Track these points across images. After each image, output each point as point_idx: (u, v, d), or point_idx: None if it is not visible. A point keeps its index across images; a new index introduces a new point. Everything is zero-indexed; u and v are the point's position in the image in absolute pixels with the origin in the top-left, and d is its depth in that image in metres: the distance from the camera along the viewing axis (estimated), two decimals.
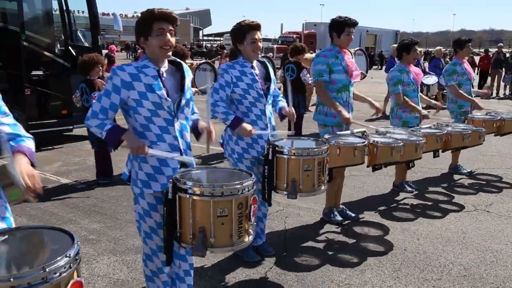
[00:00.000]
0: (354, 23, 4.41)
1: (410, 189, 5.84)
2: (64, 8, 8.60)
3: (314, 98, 7.04)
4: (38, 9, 8.45)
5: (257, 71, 3.59)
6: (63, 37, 8.71)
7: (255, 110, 3.55)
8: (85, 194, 5.73)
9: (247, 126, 3.42)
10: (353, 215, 4.89)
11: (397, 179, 5.93)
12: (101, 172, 6.21)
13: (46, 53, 8.21)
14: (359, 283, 3.57)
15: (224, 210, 2.37)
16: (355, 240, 4.38)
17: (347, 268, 3.81)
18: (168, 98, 2.58)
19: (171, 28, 2.58)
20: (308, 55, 9.53)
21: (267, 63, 3.78)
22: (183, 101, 2.67)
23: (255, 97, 3.53)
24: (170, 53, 2.63)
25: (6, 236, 1.81)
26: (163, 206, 2.55)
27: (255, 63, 3.62)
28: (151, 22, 2.54)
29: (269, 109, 3.66)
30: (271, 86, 3.67)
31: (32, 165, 2.01)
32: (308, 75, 7.99)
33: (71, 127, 8.62)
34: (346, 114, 4.33)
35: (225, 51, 15.36)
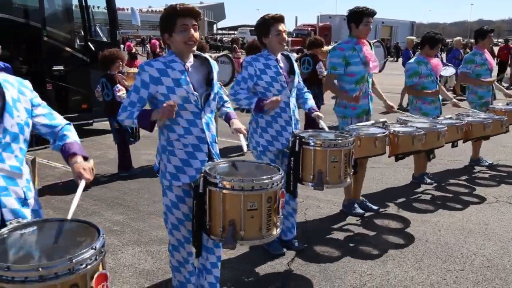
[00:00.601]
0: (372, 13, 4.40)
1: (429, 181, 5.82)
2: (83, 4, 8.70)
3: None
4: (58, 5, 8.56)
5: (281, 64, 3.60)
6: (82, 33, 8.82)
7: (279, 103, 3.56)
8: (107, 186, 5.83)
9: (270, 100, 3.42)
10: (374, 207, 4.90)
11: (416, 171, 5.91)
12: (122, 165, 6.30)
13: (66, 48, 8.34)
14: (381, 273, 3.60)
15: (254, 204, 2.40)
16: (375, 232, 4.39)
17: (369, 259, 3.83)
18: (194, 92, 2.63)
19: (194, 23, 2.60)
20: (324, 48, 9.50)
21: (291, 56, 3.80)
22: (212, 95, 2.72)
23: (279, 89, 3.54)
24: (194, 48, 2.67)
25: (35, 227, 1.88)
26: (193, 200, 2.59)
27: (279, 56, 3.62)
28: (174, 18, 2.57)
29: (293, 101, 3.67)
30: (295, 79, 3.68)
31: (85, 157, 2.15)
32: (323, 67, 7.96)
33: (91, 121, 8.74)
34: (354, 98, 4.27)
35: (234, 45, 15.37)
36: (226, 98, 3.14)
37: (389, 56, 23.74)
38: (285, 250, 3.90)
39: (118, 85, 5.85)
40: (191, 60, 2.71)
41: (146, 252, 3.96)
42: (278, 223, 2.54)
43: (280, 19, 3.52)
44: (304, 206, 5.03)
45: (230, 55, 9.26)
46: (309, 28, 39.75)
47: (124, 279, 3.53)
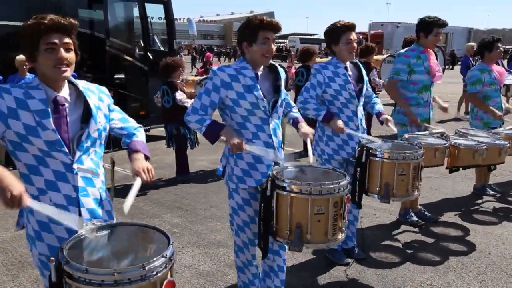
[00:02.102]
0: (443, 24, 4.37)
1: (492, 192, 5.62)
2: (144, 15, 9.05)
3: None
4: (121, 17, 8.96)
5: (350, 72, 3.57)
6: (141, 42, 9.19)
7: (346, 111, 3.55)
8: (165, 190, 6.03)
9: (339, 121, 3.42)
10: (432, 217, 4.79)
11: (477, 182, 5.73)
12: (180, 170, 6.49)
13: (127, 57, 8.72)
14: (442, 284, 3.52)
15: (321, 208, 2.44)
16: (435, 242, 4.30)
17: (428, 269, 3.76)
18: (264, 99, 2.70)
19: (274, 37, 2.70)
20: (376, 57, 9.42)
21: (360, 64, 3.77)
22: (279, 102, 2.79)
23: (347, 98, 3.52)
24: (270, 61, 2.75)
25: (109, 230, 1.98)
26: (260, 202, 2.64)
27: (348, 64, 3.60)
28: (257, 30, 2.66)
29: (360, 110, 3.63)
30: (364, 88, 3.65)
31: (147, 157, 2.23)
32: (377, 75, 7.89)
33: (148, 127, 9.05)
34: (414, 116, 4.32)
35: (292, 53, 15.43)
36: (293, 104, 3.18)
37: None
38: (349, 260, 3.84)
39: (179, 91, 6.05)
40: (261, 68, 2.79)
41: (205, 254, 4.07)
42: (343, 228, 2.56)
43: (351, 27, 3.48)
44: (359, 214, 4.98)
45: (283, 65, 9.37)
46: (361, 36, 39.22)
47: (185, 279, 3.65)
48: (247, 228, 2.86)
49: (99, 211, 2.14)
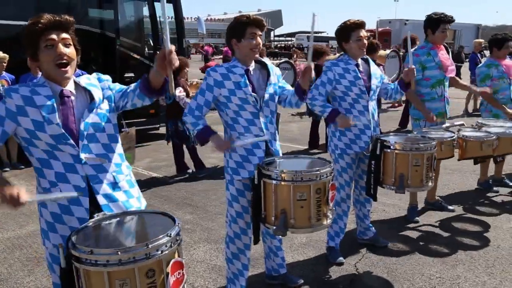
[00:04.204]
0: (449, 20, 4.42)
1: (495, 188, 5.63)
2: (153, 14, 9.11)
3: None
4: (130, 16, 9.05)
5: (361, 68, 3.63)
6: (151, 42, 9.26)
7: (357, 107, 3.59)
8: (175, 187, 6.10)
9: (344, 116, 3.53)
10: (450, 207, 4.94)
11: (481, 177, 5.74)
12: (196, 165, 6.54)
13: (137, 56, 8.80)
14: (451, 277, 3.56)
15: (303, 194, 2.57)
16: (444, 236, 4.34)
17: (438, 262, 3.80)
18: (252, 94, 2.89)
19: (260, 33, 2.93)
20: (382, 52, 9.40)
21: (371, 60, 3.81)
22: (266, 96, 2.94)
23: (358, 93, 3.57)
24: (257, 54, 2.96)
25: (118, 219, 2.05)
26: (251, 191, 2.83)
27: (359, 60, 3.66)
28: (245, 26, 2.88)
29: (372, 105, 3.67)
30: (375, 83, 3.69)
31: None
32: (383, 71, 7.89)
33: (157, 125, 9.14)
34: (430, 115, 4.43)
35: (294, 48, 15.45)
36: (288, 87, 3.16)
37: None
38: (343, 260, 3.83)
39: (179, 87, 6.05)
40: (252, 65, 2.98)
41: (217, 250, 4.14)
42: (329, 214, 2.67)
43: (361, 25, 3.57)
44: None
45: (291, 61, 9.39)
46: (368, 33, 39.06)
47: (198, 273, 3.72)
48: (239, 219, 3.03)
49: (116, 195, 2.19)
